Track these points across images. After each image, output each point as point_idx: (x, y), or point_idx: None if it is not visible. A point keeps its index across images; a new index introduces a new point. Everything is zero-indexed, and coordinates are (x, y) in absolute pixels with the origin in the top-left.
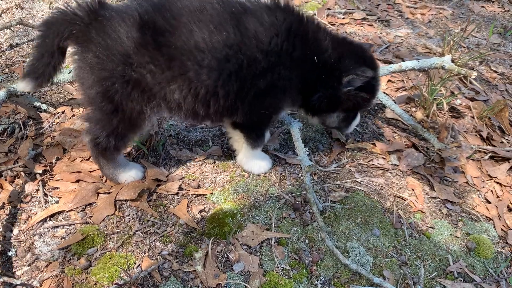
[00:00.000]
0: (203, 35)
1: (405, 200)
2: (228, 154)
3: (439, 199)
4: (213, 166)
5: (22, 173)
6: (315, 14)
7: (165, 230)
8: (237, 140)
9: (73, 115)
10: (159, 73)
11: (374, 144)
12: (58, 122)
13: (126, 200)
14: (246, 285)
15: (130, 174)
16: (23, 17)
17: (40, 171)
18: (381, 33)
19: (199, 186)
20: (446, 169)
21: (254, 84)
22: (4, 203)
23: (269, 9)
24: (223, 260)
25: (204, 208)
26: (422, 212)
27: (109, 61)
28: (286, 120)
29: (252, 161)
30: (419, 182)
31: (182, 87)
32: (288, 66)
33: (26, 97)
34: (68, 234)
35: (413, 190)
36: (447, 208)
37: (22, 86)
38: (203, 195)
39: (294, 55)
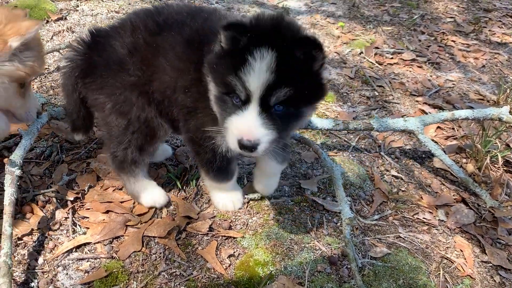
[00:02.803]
0: None
1: (452, 263)
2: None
3: (491, 264)
4: (246, 206)
5: (54, 199)
6: (362, 53)
7: (191, 274)
8: None
9: None
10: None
11: (420, 196)
12: (94, 149)
13: (154, 237)
14: None
15: (152, 196)
16: (73, 41)
17: (72, 198)
18: (431, 76)
19: (230, 228)
20: (500, 230)
21: None
22: (32, 229)
23: None
24: None
25: (234, 252)
26: (471, 277)
27: (110, 74)
28: (328, 163)
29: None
30: (468, 242)
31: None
32: None
33: (65, 120)
34: (93, 268)
35: (461, 251)
36: (500, 275)
37: (76, 138)
38: (234, 238)
39: None
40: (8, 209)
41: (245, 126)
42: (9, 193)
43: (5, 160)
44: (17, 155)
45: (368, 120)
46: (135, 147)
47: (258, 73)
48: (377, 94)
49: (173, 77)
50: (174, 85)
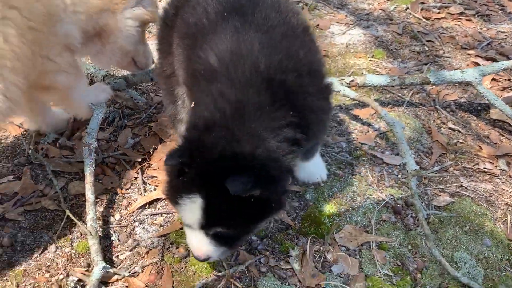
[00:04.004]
0: None
1: None
2: (323, 149)
3: None
4: None
5: (122, 161)
6: (408, 8)
7: None
8: None
9: None
10: None
11: (479, 147)
12: (154, 113)
13: None
14: (348, 287)
15: None
16: None
17: (139, 160)
18: (481, 29)
19: (293, 182)
20: None
21: None
22: (106, 189)
23: None
24: (321, 260)
25: (299, 205)
26: None
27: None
28: (388, 119)
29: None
30: None
31: None
32: None
33: (125, 89)
34: (167, 222)
35: None
36: None
37: None
38: (297, 191)
39: None
40: (89, 178)
41: (193, 244)
42: (89, 163)
43: (83, 133)
44: (91, 128)
45: (425, 74)
46: None
47: (190, 212)
48: (427, 49)
49: None
50: None
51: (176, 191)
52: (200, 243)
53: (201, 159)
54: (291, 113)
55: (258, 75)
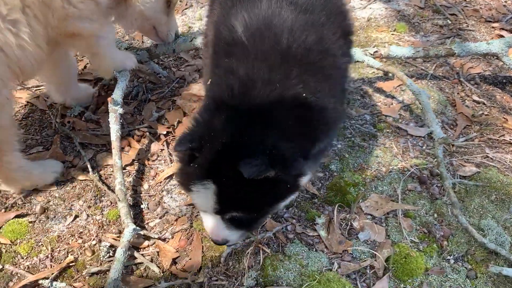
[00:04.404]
0: None
1: None
2: (347, 122)
3: None
4: None
5: (148, 134)
6: None
7: None
8: None
9: (192, 80)
10: None
11: (505, 118)
12: (177, 88)
13: None
14: (375, 252)
15: None
16: None
17: (164, 132)
18: (505, 2)
19: None
20: None
21: None
22: (133, 160)
23: None
24: (347, 228)
25: (324, 176)
26: None
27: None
28: (414, 89)
29: None
30: None
31: None
32: None
33: (148, 63)
34: None
35: None
36: None
37: None
38: (321, 162)
39: None
40: (115, 144)
41: (210, 228)
42: (115, 129)
43: (108, 99)
44: (117, 94)
45: (449, 45)
46: None
47: (204, 198)
48: (450, 22)
49: None
50: None
51: (188, 178)
52: (217, 228)
53: (211, 143)
54: (304, 94)
55: (276, 50)
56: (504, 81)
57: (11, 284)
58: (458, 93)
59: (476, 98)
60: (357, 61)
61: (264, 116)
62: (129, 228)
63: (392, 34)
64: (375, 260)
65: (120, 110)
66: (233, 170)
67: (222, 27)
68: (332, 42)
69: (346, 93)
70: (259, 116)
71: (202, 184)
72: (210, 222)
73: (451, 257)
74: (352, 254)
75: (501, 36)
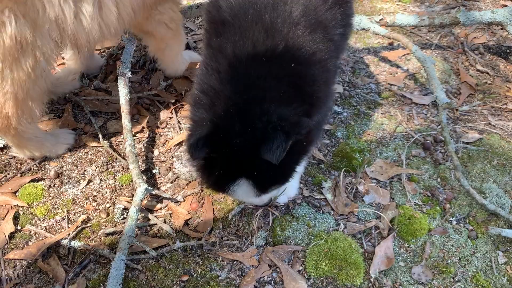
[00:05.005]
0: None
1: None
2: (352, 90)
3: None
4: (337, 101)
5: (157, 102)
6: None
7: None
8: None
9: (197, 49)
10: None
11: (508, 87)
12: None
13: None
14: (381, 213)
15: None
16: None
17: (173, 101)
18: None
19: None
20: None
21: None
22: (143, 127)
23: None
24: (353, 191)
25: (330, 142)
26: None
27: None
28: (419, 55)
29: None
30: None
31: None
32: None
33: None
34: None
35: None
36: None
37: None
38: (327, 130)
39: None
40: (125, 107)
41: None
42: (124, 93)
43: (117, 62)
44: (125, 58)
45: (454, 14)
46: None
47: (243, 193)
48: None
49: None
50: None
51: (220, 184)
52: (260, 199)
53: (222, 140)
54: (292, 65)
55: (261, 25)
56: (508, 51)
57: (30, 243)
58: (462, 63)
59: (480, 68)
60: (363, 29)
61: (255, 93)
62: (141, 187)
63: (398, 5)
64: (380, 221)
65: (129, 74)
66: (257, 158)
67: (211, 8)
68: (322, 13)
69: (338, 65)
70: (250, 96)
71: (235, 184)
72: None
73: (453, 218)
74: (357, 215)
75: (506, 5)
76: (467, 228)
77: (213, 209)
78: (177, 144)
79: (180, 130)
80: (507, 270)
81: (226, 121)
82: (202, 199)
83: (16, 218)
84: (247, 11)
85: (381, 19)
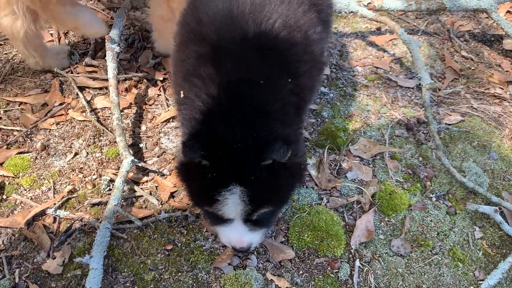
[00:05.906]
0: None
1: None
2: (339, 73)
3: None
4: (324, 82)
5: (145, 79)
6: None
7: None
8: None
9: None
10: None
11: (491, 73)
12: None
13: None
14: (363, 188)
15: None
16: None
17: (161, 78)
18: None
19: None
20: None
21: None
22: (131, 103)
23: None
24: (336, 168)
25: (315, 122)
26: None
27: None
28: (405, 38)
29: None
30: None
31: None
32: None
33: (143, 10)
34: None
35: None
36: None
37: None
38: (314, 109)
39: None
40: (112, 81)
41: (233, 237)
42: (112, 67)
43: (106, 36)
44: (114, 33)
45: (441, 0)
46: None
47: (233, 204)
48: None
49: None
50: None
51: (210, 190)
52: (241, 234)
53: (222, 148)
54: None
55: (244, 45)
56: (492, 39)
57: (15, 212)
58: (447, 49)
59: (465, 54)
60: (351, 12)
61: (250, 102)
62: (127, 159)
63: None
64: (362, 196)
65: (117, 49)
66: (255, 166)
67: (190, 20)
68: (299, 18)
69: (322, 68)
70: (246, 104)
71: (227, 190)
72: (232, 231)
73: (433, 195)
74: (340, 190)
75: None
76: (446, 205)
77: None
78: (165, 121)
79: (168, 107)
80: (483, 245)
81: (225, 126)
82: None
83: (1, 188)
84: (230, 27)
85: (369, 3)
